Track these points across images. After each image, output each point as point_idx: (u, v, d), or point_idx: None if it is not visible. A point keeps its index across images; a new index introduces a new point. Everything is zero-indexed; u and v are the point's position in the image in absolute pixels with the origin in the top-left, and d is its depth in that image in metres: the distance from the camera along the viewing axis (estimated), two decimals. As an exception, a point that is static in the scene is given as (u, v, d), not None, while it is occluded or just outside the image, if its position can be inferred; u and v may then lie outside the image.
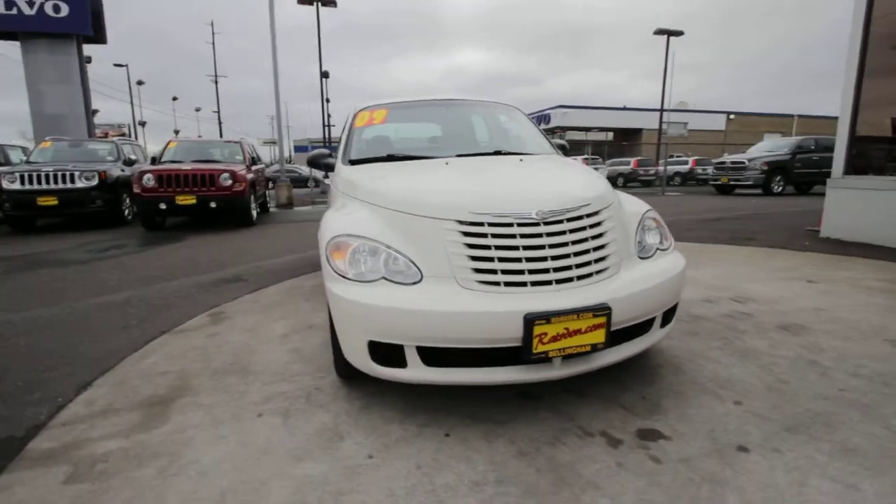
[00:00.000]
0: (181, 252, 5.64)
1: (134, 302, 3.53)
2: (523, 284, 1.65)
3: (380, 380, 1.92)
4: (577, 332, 1.61)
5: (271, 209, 11.10)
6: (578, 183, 2.01)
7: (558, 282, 1.67)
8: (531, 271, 1.66)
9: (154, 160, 7.98)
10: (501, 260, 1.66)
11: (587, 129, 34.12)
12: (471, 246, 1.69)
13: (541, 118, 34.05)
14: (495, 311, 1.57)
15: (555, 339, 1.59)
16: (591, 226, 1.79)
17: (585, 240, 1.75)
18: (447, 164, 2.30)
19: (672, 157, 25.53)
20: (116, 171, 7.71)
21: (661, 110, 23.23)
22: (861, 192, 4.90)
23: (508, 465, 1.54)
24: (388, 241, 1.79)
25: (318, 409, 1.92)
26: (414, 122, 3.05)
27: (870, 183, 4.86)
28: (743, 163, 13.92)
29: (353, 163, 2.64)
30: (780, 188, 13.70)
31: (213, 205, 6.97)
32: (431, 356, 1.67)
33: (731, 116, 36.43)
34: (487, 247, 1.68)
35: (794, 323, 2.70)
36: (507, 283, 1.65)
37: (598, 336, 1.64)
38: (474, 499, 1.39)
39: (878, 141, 5.07)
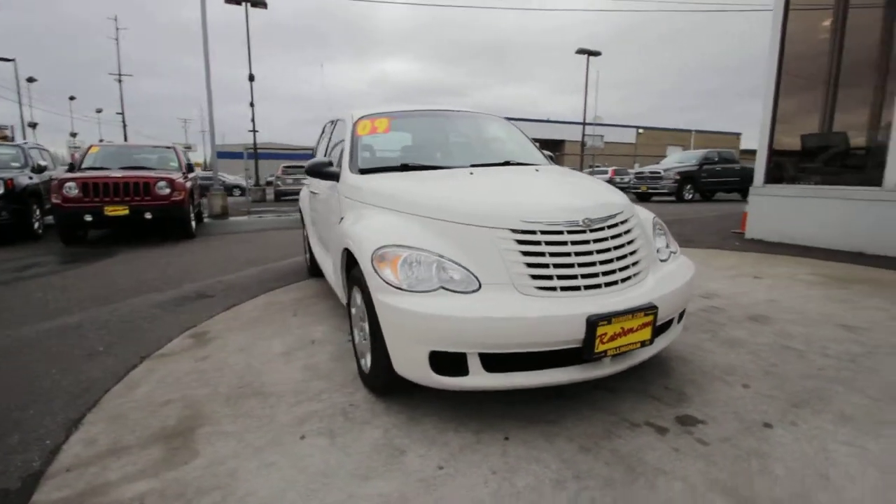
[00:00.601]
0: (118, 269, 5.07)
1: (89, 326, 3.13)
2: (577, 289, 1.74)
3: (415, 392, 1.92)
4: (630, 330, 1.72)
5: (205, 220, 10.32)
6: (606, 191, 2.15)
7: (606, 285, 1.78)
8: (583, 276, 1.75)
9: (73, 167, 7.08)
10: (556, 266, 1.74)
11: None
12: (526, 253, 1.74)
13: (471, 128, 34.92)
14: (559, 315, 1.64)
15: (612, 338, 1.69)
16: (626, 231, 1.93)
17: (624, 244, 1.88)
18: (471, 174, 2.34)
19: (593, 167, 27.59)
20: (24, 179, 6.74)
21: (584, 123, 24.93)
22: (778, 198, 5.66)
23: (578, 461, 1.60)
24: (439, 251, 1.79)
25: (364, 426, 1.86)
26: (416, 132, 3.04)
27: (784, 191, 5.63)
28: (659, 173, 15.41)
29: (363, 172, 2.58)
30: (690, 195, 15.34)
31: (148, 216, 6.35)
32: (491, 362, 1.69)
33: (641, 130, 40.11)
34: (542, 254, 1.74)
35: (760, 314, 3.07)
36: (563, 288, 1.72)
37: (646, 333, 1.77)
38: (563, 497, 1.44)
39: (791, 155, 5.89)
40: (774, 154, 5.76)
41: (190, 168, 7.87)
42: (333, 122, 3.52)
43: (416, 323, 1.67)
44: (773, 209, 5.69)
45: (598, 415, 1.89)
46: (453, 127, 3.11)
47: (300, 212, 4.73)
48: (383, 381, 1.96)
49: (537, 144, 3.20)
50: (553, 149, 36.65)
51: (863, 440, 1.69)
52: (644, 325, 1.75)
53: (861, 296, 3.45)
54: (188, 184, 7.13)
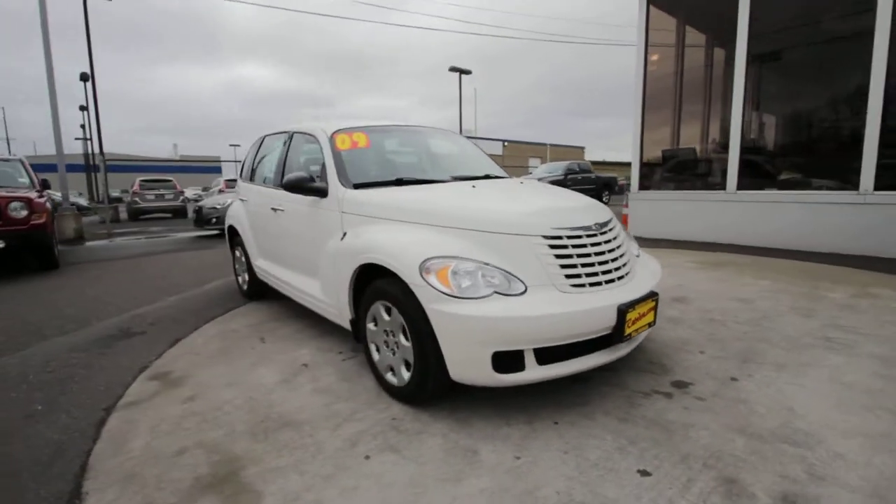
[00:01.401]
0: (-24, 313, 4.04)
1: (2, 385, 2.52)
2: (599, 284, 2.03)
3: (446, 398, 2.04)
4: (643, 315, 2.07)
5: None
6: (591, 199, 2.50)
7: (619, 279, 2.10)
8: (602, 272, 2.05)
9: None
10: (582, 266, 2.01)
11: (394, 152, 36.17)
12: (558, 256, 1.98)
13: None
14: (598, 307, 1.91)
15: (634, 322, 2.01)
16: (618, 233, 2.29)
17: (621, 244, 2.24)
18: (474, 187, 2.50)
19: None
20: None
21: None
22: (649, 202, 6.86)
23: (624, 430, 1.88)
24: (483, 259, 1.93)
25: (422, 435, 1.90)
26: (395, 147, 3.07)
27: (653, 195, 6.85)
28: (533, 182, 17.20)
29: (357, 187, 2.57)
30: (562, 201, 17.40)
31: (1, 244, 5.13)
32: (543, 356, 1.89)
33: (506, 143, 43.82)
34: (570, 255, 2.00)
35: (678, 296, 3.77)
36: (590, 284, 2.00)
37: (651, 316, 2.14)
38: (632, 459, 1.69)
39: (655, 166, 7.18)
40: (644, 165, 6.97)
41: (45, 185, 6.53)
42: (288, 135, 3.36)
43: (481, 327, 1.79)
44: (647, 211, 6.88)
45: (614, 391, 2.21)
46: (425, 142, 3.24)
47: (226, 231, 4.34)
48: (432, 390, 2.02)
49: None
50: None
51: (801, 379, 2.27)
52: (651, 310, 2.12)
53: (733, 275, 4.43)
54: (48, 203, 5.92)
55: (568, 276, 1.97)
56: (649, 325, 2.14)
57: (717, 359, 2.54)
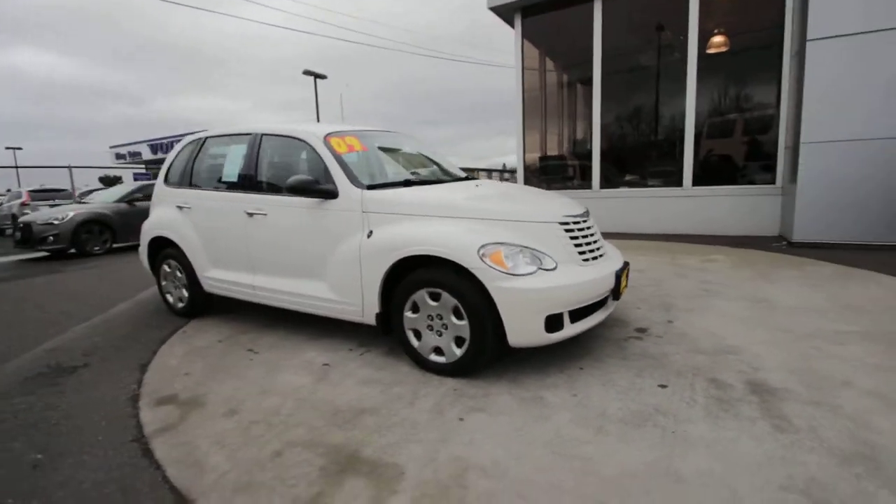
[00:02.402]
0: None
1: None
2: (597, 258, 2.62)
3: (491, 365, 2.43)
4: (625, 278, 2.72)
5: None
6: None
7: (601, 254, 2.73)
8: (595, 249, 2.64)
9: None
10: (585, 244, 2.57)
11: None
12: (571, 238, 2.50)
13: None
14: (605, 274, 2.48)
15: (622, 284, 2.65)
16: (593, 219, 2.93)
17: (595, 228, 2.88)
18: (477, 186, 2.87)
19: None
20: None
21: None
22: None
23: (629, 364, 2.49)
24: (522, 243, 2.34)
25: (489, 396, 2.21)
26: (385, 150, 3.19)
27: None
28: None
29: (371, 188, 2.71)
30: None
31: None
32: (573, 316, 2.39)
33: (360, 149, 43.85)
34: (577, 237, 2.54)
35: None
36: (592, 258, 2.58)
37: (626, 280, 2.81)
38: (648, 380, 2.29)
39: (536, 171, 8.36)
40: (527, 171, 8.09)
41: None
42: (254, 137, 3.23)
43: (538, 297, 2.20)
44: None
45: (603, 342, 2.83)
46: (402, 145, 3.45)
47: (147, 246, 3.84)
48: (485, 361, 2.34)
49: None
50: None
51: (706, 317, 3.20)
52: (627, 275, 2.79)
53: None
54: None
55: (580, 253, 2.50)
56: (626, 286, 2.82)
57: (652, 310, 3.38)
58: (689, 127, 6.56)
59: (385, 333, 2.65)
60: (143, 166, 27.45)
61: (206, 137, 3.61)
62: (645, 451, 1.74)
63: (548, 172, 8.26)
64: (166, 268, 3.78)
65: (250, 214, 3.09)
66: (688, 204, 6.67)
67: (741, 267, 4.62)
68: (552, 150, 8.53)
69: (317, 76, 25.53)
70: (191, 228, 3.50)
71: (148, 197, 8.76)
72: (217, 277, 3.41)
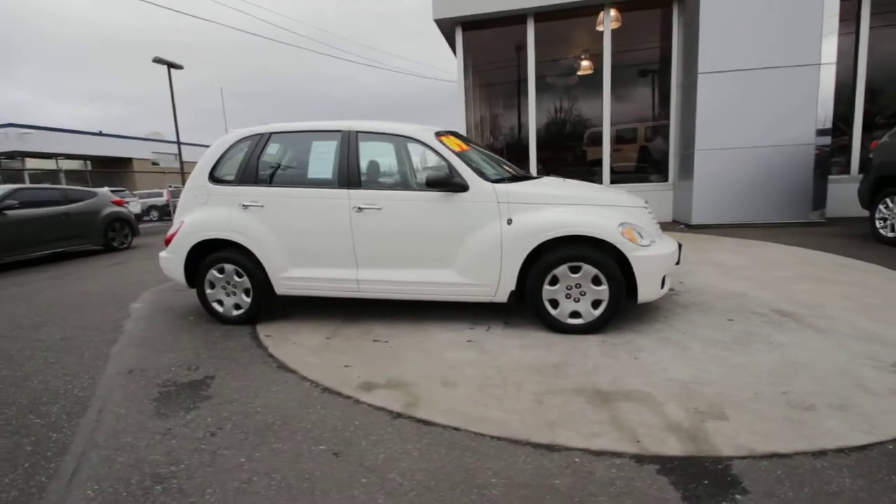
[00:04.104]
0: None
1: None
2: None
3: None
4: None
5: None
6: None
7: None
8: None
9: None
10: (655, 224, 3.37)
11: (57, 156, 27.07)
12: (652, 219, 3.27)
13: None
14: (676, 247, 3.29)
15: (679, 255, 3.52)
16: (640, 206, 3.76)
17: (645, 212, 3.71)
18: (564, 181, 3.44)
19: (172, 188, 24.10)
20: None
21: (179, 143, 22.55)
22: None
23: (682, 321, 3.36)
24: (635, 223, 3.02)
25: (642, 341, 2.84)
26: (476, 148, 3.50)
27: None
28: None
29: (495, 182, 3.09)
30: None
31: None
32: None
33: (215, 149, 39.50)
34: (653, 217, 3.33)
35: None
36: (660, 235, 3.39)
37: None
38: (722, 317, 3.18)
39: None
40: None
41: None
42: (345, 134, 3.28)
43: (663, 262, 2.91)
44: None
45: (648, 307, 3.67)
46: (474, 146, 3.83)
47: (187, 253, 3.49)
48: (609, 318, 2.95)
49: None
50: (119, 167, 30.50)
51: (719, 275, 4.32)
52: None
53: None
54: None
55: (657, 232, 3.29)
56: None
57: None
58: (607, 134, 8.04)
59: (520, 306, 3.06)
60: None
61: (271, 133, 3.46)
62: (767, 354, 2.56)
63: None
64: (216, 273, 3.49)
65: (360, 209, 3.16)
66: (671, 195, 8.02)
67: (676, 244, 6.05)
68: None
69: (171, 66, 22.50)
70: (265, 228, 3.35)
71: (30, 204, 7.11)
72: (301, 276, 3.34)
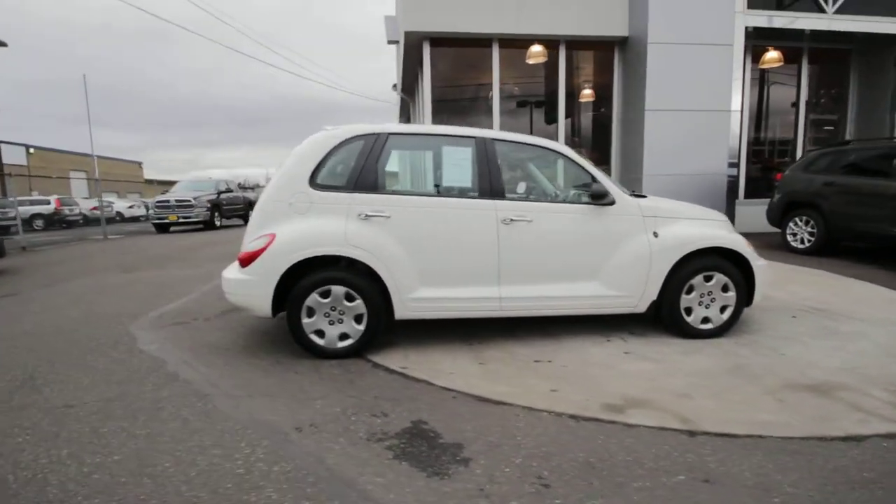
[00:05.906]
0: None
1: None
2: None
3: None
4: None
5: None
6: None
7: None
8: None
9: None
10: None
11: None
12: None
13: None
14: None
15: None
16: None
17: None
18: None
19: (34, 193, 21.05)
20: None
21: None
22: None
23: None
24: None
25: (757, 346, 3.20)
26: None
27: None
28: (189, 201, 14.76)
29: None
30: (219, 222, 15.76)
31: None
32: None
33: (32, 150, 31.59)
34: (729, 232, 3.81)
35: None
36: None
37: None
38: (787, 315, 3.75)
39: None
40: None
41: None
42: (478, 141, 3.06)
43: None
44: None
45: (714, 304, 4.16)
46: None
47: (282, 274, 2.85)
48: (734, 322, 3.29)
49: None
50: None
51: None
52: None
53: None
54: None
55: (735, 242, 3.77)
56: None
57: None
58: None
59: (658, 319, 3.20)
60: None
61: (389, 134, 3.04)
62: (841, 343, 3.13)
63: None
64: (318, 298, 2.90)
65: (508, 221, 2.97)
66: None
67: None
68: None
69: (-10, 41, 17.67)
70: (391, 242, 2.91)
71: None
72: (433, 297, 2.98)
